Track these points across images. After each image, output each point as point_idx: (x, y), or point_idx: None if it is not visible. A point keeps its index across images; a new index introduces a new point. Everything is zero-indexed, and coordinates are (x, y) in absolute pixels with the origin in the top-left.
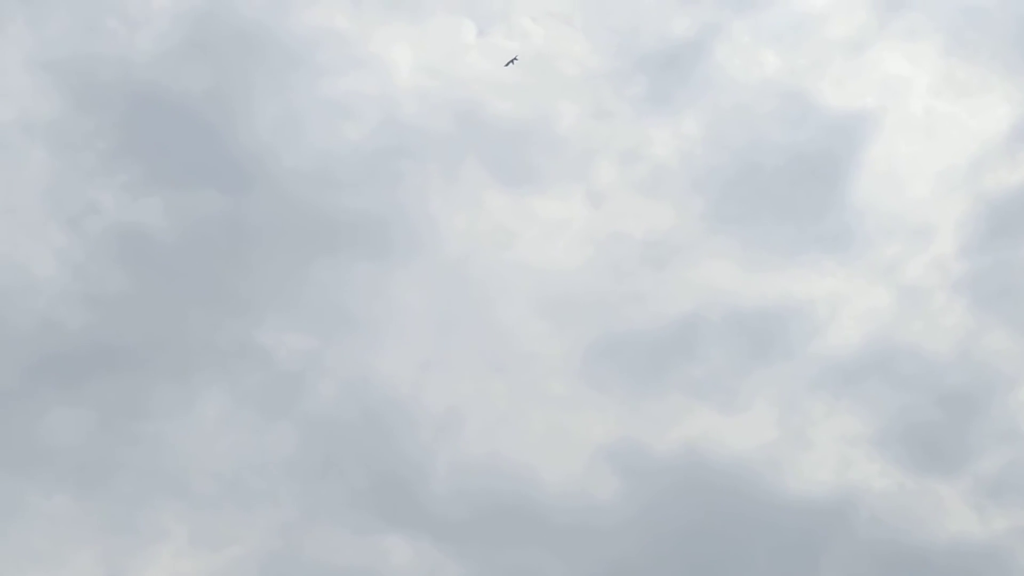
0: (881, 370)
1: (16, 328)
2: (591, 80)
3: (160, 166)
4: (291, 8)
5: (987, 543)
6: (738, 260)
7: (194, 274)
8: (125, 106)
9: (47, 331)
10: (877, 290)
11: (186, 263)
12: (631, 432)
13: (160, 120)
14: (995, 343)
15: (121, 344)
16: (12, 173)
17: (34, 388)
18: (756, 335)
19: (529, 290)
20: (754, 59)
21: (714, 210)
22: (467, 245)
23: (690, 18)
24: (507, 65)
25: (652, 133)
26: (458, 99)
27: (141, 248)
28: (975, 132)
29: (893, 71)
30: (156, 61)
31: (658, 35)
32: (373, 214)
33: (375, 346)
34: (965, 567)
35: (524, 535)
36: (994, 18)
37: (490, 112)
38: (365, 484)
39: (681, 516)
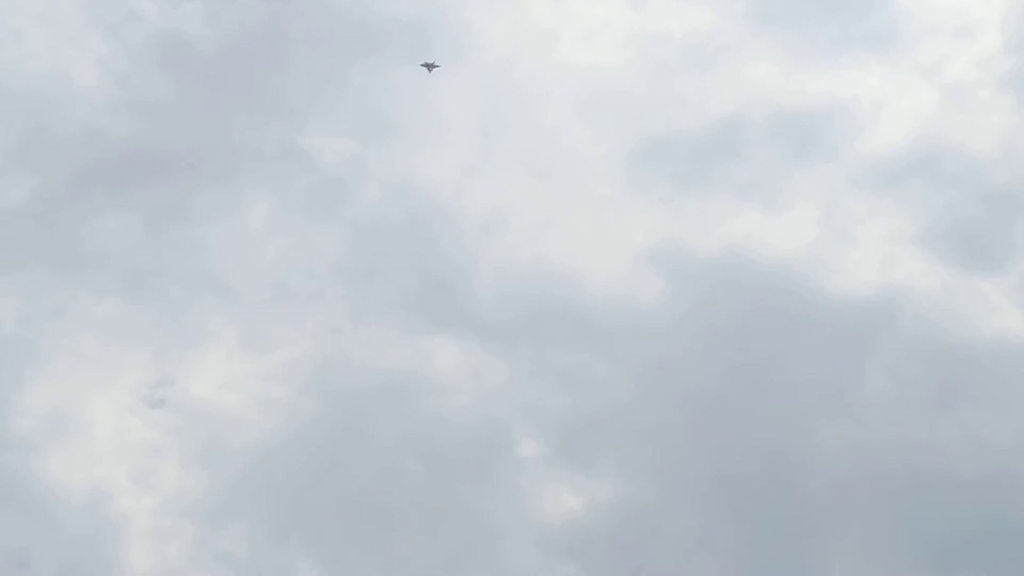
0: (925, 169)
1: (61, 137)
2: None
3: None
4: None
5: None
6: (781, 60)
7: (236, 80)
8: None
9: (91, 139)
10: (921, 88)
11: (228, 69)
12: (674, 233)
13: None
14: None
15: (166, 151)
16: None
17: (81, 195)
18: (799, 135)
19: (571, 93)
20: None
21: (756, 9)
22: (509, 48)
23: None
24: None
25: None
26: None
27: (183, 55)
28: None
29: None
30: None
31: None
32: (414, 17)
33: (418, 150)
34: (1009, 364)
35: (569, 336)
36: None
37: None
38: (411, 286)
39: (725, 316)
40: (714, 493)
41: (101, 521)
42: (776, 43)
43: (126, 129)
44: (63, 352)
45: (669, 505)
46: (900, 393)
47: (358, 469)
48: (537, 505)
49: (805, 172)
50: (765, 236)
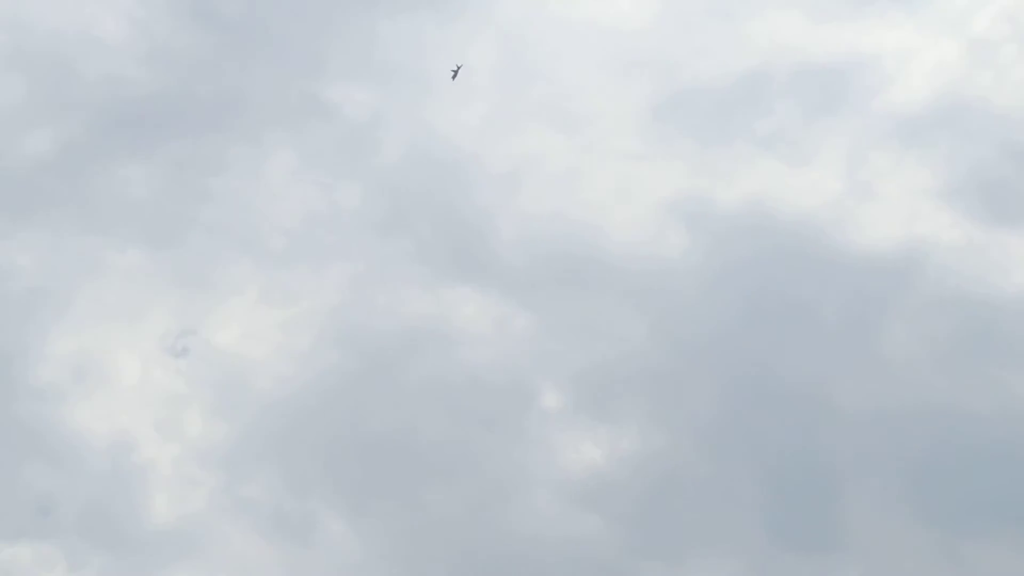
0: (949, 123)
1: (85, 89)
2: None
3: None
4: None
5: None
6: (805, 13)
7: (259, 32)
8: None
9: (115, 91)
10: (946, 42)
11: (251, 21)
12: (698, 186)
13: None
14: None
15: (189, 102)
16: None
17: (104, 147)
18: (823, 89)
19: (596, 46)
20: None
21: None
22: (533, 0)
23: None
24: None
25: None
26: None
27: (206, 7)
28: None
29: None
30: None
31: None
32: None
33: (440, 102)
34: None
35: (591, 288)
36: None
37: None
38: (433, 238)
39: (748, 269)
40: (735, 444)
41: (125, 469)
42: None
43: (150, 81)
44: (87, 302)
45: (690, 456)
46: (923, 346)
47: (380, 419)
48: (559, 455)
49: (829, 126)
50: (789, 190)
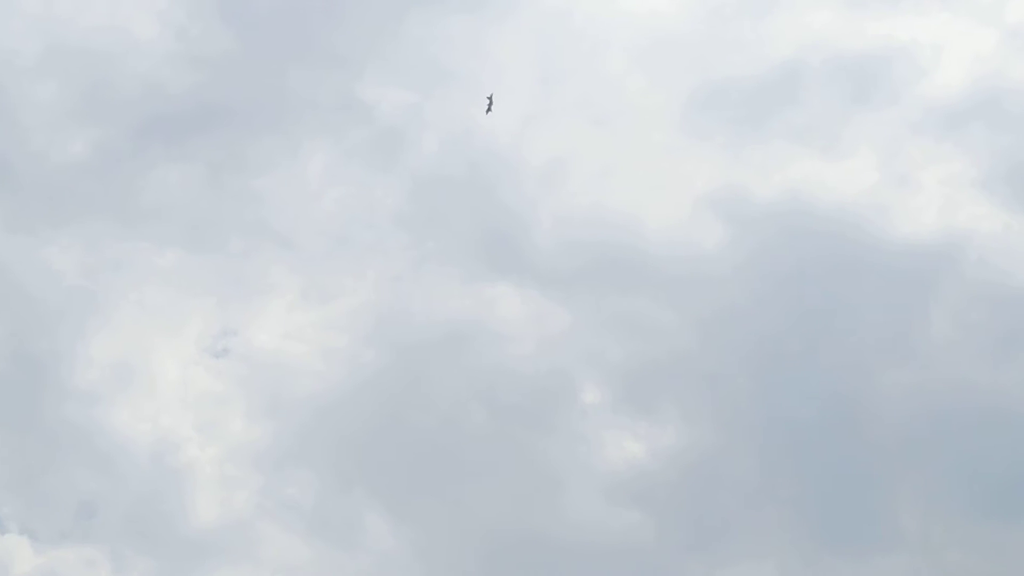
0: (986, 112)
1: (121, 91)
2: None
3: None
4: None
5: None
6: (839, 4)
7: (294, 31)
8: None
9: (151, 92)
10: (982, 31)
11: (286, 20)
12: (734, 179)
13: None
14: None
15: (225, 103)
16: None
17: (141, 148)
18: (858, 79)
19: (630, 39)
20: None
21: None
22: None
23: None
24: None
25: None
26: None
27: (241, 7)
28: None
29: None
30: None
31: None
32: None
33: (476, 99)
34: None
35: (630, 283)
36: None
37: None
38: (471, 235)
39: (786, 262)
40: (776, 438)
41: (166, 471)
42: None
43: (185, 82)
44: (126, 304)
45: (731, 451)
46: (962, 336)
47: (421, 417)
48: (600, 452)
49: (865, 116)
50: (825, 181)
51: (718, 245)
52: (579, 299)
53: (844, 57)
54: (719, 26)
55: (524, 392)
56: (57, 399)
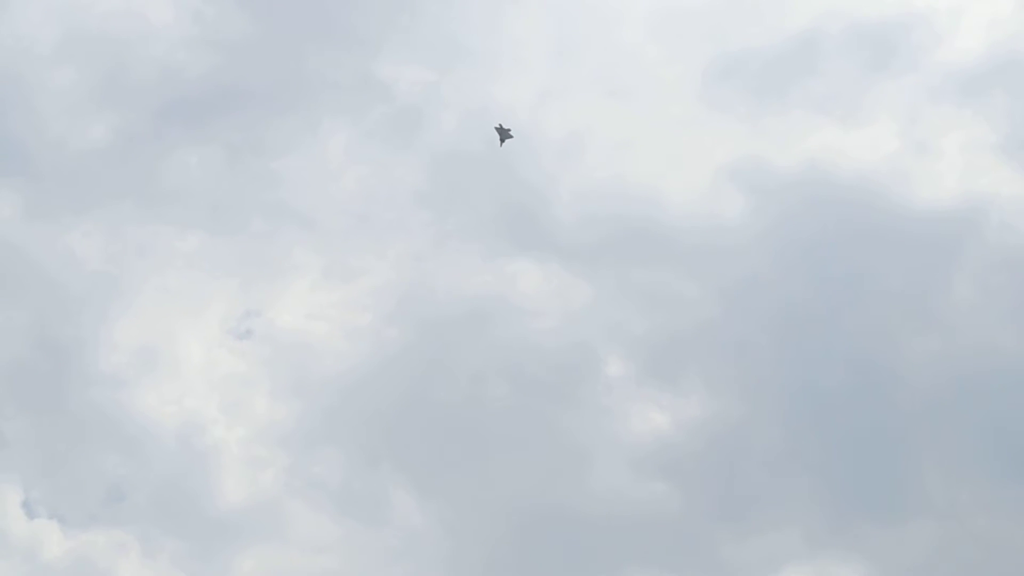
0: (1005, 77)
1: (139, 75)
2: None
3: None
4: None
5: None
6: None
7: (310, 11)
8: None
9: (169, 76)
10: None
11: (300, 1)
12: (754, 150)
13: None
14: None
15: (243, 85)
16: None
17: (161, 131)
18: (877, 47)
19: (646, 11)
20: None
21: None
22: None
23: None
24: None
25: None
26: None
27: None
28: None
29: None
30: None
31: None
32: None
33: (493, 75)
34: None
35: (651, 255)
36: None
37: None
38: (492, 211)
39: (807, 231)
40: (801, 407)
41: (193, 453)
42: None
43: (203, 65)
44: (149, 288)
45: (756, 420)
46: (986, 301)
47: (446, 394)
48: (625, 424)
49: (884, 84)
50: (845, 150)
51: (739, 215)
52: (601, 272)
53: (862, 25)
54: None
55: (548, 366)
56: (83, 384)
